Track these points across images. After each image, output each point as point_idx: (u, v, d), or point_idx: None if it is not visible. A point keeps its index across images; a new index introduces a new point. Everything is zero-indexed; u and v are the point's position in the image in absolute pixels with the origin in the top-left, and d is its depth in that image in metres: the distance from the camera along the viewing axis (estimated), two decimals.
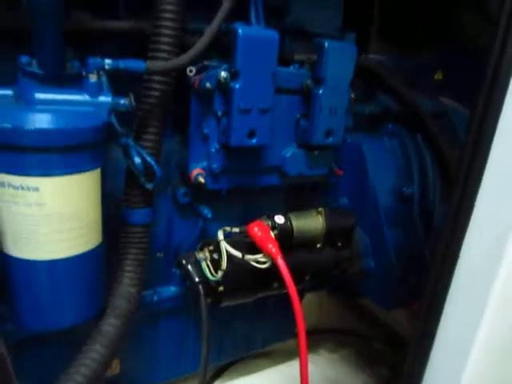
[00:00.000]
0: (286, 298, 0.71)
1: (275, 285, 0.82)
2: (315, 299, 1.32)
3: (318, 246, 0.86)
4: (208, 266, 0.76)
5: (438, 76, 1.07)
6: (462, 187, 0.55)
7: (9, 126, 0.46)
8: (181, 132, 0.77)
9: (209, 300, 0.78)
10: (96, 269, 0.60)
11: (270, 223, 0.78)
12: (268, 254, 0.73)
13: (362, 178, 0.90)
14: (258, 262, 0.74)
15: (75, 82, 0.55)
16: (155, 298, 0.82)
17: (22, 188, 0.48)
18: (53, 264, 0.54)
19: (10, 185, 0.48)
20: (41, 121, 0.47)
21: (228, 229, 0.77)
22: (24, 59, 0.53)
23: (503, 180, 0.51)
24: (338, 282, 0.98)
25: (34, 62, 0.53)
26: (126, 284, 0.67)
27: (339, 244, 0.89)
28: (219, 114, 0.71)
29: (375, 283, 0.93)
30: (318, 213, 0.84)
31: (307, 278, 0.87)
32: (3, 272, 0.56)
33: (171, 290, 0.84)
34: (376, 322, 1.28)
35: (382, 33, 1.05)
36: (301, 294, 1.03)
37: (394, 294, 0.92)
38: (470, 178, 0.54)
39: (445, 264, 0.57)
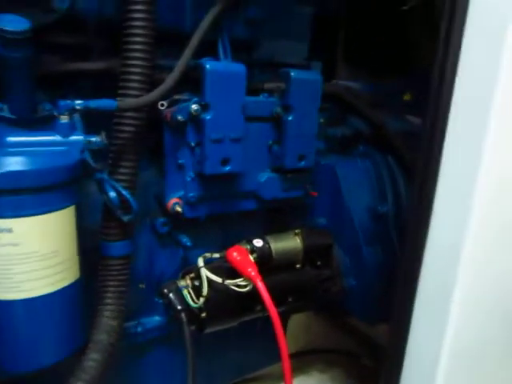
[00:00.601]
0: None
1: (258, 307, 0.83)
2: (304, 320, 1.31)
3: (298, 266, 0.87)
4: (190, 293, 0.77)
5: (407, 97, 1.11)
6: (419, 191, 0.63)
7: None
8: (158, 163, 0.79)
9: (192, 327, 0.79)
10: (74, 304, 0.60)
11: (248, 247, 0.79)
12: (247, 278, 0.74)
13: (337, 198, 0.93)
14: (238, 286, 0.75)
15: (47, 124, 0.57)
16: (139, 329, 0.82)
17: None
18: (29, 302, 0.54)
19: None
20: (12, 163, 0.48)
21: (208, 255, 0.78)
22: None
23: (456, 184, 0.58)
24: (322, 302, 0.99)
25: (5, 107, 0.55)
26: (107, 317, 0.67)
27: (319, 263, 0.90)
28: (192, 144, 0.74)
29: (358, 300, 0.95)
30: (296, 234, 0.86)
31: (290, 299, 0.88)
32: None
33: (155, 319, 0.84)
34: (365, 340, 1.28)
35: (348, 60, 1.10)
36: (286, 316, 1.04)
37: (377, 309, 0.93)
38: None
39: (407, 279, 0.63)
